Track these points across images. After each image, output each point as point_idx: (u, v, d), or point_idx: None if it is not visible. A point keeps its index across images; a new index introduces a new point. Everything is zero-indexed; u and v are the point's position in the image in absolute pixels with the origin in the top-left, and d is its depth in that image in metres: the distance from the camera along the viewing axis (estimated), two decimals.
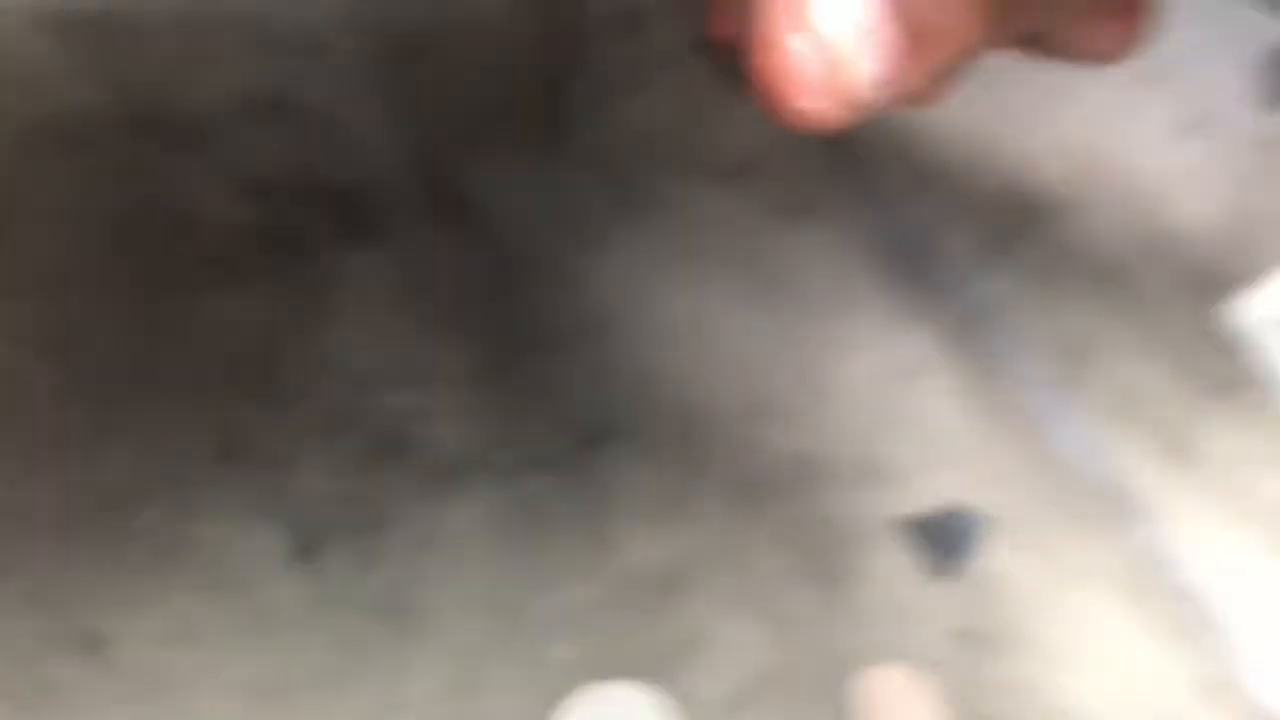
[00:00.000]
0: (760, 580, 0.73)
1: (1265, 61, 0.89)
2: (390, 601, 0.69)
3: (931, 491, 0.76)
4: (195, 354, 0.74)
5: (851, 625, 0.72)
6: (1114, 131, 0.87)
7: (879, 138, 0.85)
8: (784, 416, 0.77)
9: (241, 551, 0.68)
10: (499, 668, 0.69)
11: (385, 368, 0.75)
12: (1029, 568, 0.74)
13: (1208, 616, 0.74)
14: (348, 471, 0.71)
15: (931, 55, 0.21)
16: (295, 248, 0.79)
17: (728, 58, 0.82)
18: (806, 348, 0.80)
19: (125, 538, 0.69)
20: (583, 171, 0.84)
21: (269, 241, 0.78)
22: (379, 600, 0.69)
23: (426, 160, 0.83)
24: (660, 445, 0.75)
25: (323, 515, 0.70)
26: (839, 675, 0.71)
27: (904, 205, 0.83)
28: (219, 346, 0.74)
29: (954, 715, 0.70)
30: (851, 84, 0.21)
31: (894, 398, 0.78)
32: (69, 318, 0.73)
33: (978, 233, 0.83)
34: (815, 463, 0.76)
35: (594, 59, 0.87)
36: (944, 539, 0.74)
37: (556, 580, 0.71)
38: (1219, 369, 0.81)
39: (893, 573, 0.74)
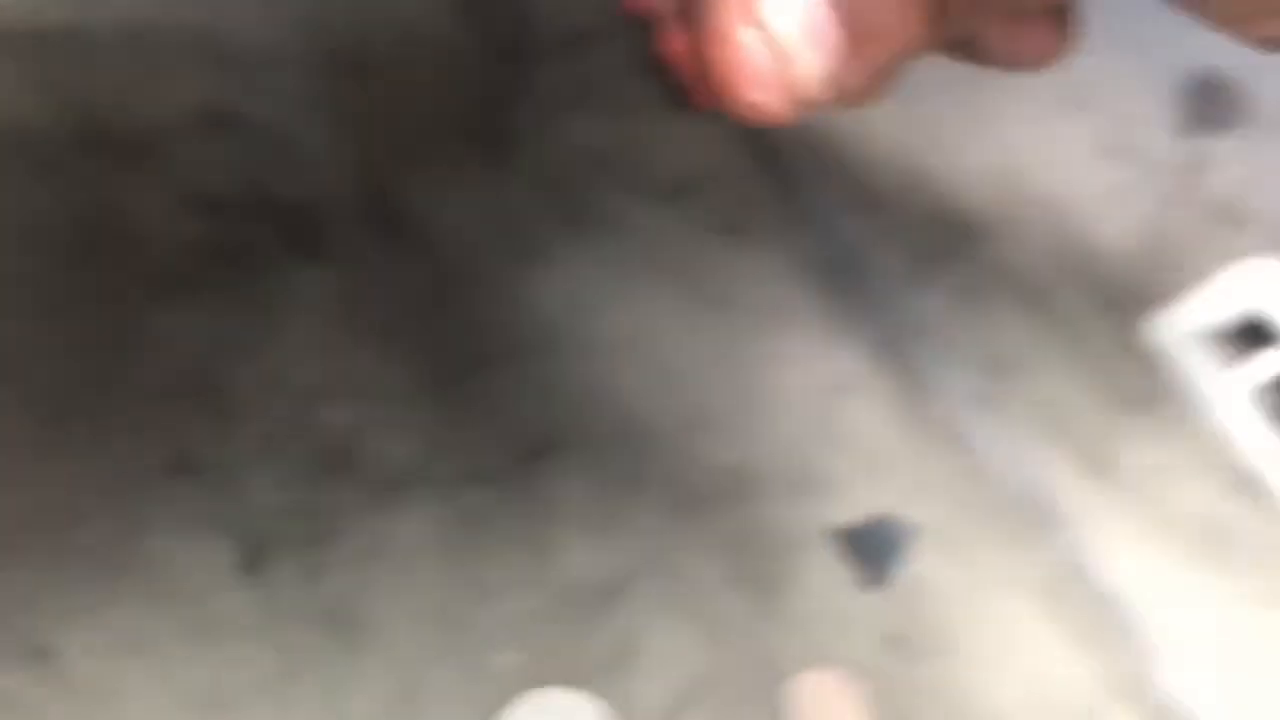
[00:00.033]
0: (697, 589, 0.75)
1: (1184, 87, 0.92)
2: (336, 613, 0.70)
3: (863, 502, 0.79)
4: (144, 368, 0.76)
5: (785, 632, 0.75)
6: (1040, 154, 0.90)
7: (814, 159, 0.88)
8: (721, 429, 0.80)
9: (189, 564, 0.70)
10: (442, 677, 0.71)
11: (331, 382, 0.77)
12: (954, 575, 0.77)
13: (1124, 622, 0.77)
14: (294, 484, 0.73)
15: (871, 54, 0.22)
16: (243, 263, 0.80)
17: (670, 77, 0.85)
18: (743, 362, 0.82)
19: (73, 550, 0.70)
20: (526, 188, 0.86)
21: (217, 257, 0.80)
22: (325, 611, 0.70)
23: (372, 176, 0.85)
24: (600, 458, 0.77)
25: (269, 528, 0.72)
26: (773, 680, 0.74)
27: (838, 225, 0.86)
28: (167, 361, 0.76)
29: (882, 718, 0.73)
30: (799, 79, 0.22)
31: (827, 411, 0.81)
32: (18, 333, 0.74)
33: (908, 252, 0.86)
34: (751, 474, 0.79)
35: (537, 77, 0.89)
36: (874, 548, 0.77)
37: (498, 590, 0.73)
38: (1138, 384, 0.85)
39: (825, 580, 0.77)
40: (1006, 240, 0.87)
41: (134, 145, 0.83)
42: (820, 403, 0.81)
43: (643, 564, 0.75)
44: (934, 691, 0.74)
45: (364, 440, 0.75)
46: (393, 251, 0.82)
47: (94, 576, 0.70)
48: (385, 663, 0.70)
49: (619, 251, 0.84)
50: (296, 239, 0.82)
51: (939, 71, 0.97)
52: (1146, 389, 0.85)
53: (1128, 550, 0.80)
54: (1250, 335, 0.87)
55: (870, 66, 0.22)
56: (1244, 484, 0.83)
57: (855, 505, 0.78)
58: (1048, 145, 0.90)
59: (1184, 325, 0.87)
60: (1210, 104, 0.92)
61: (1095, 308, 0.86)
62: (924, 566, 0.77)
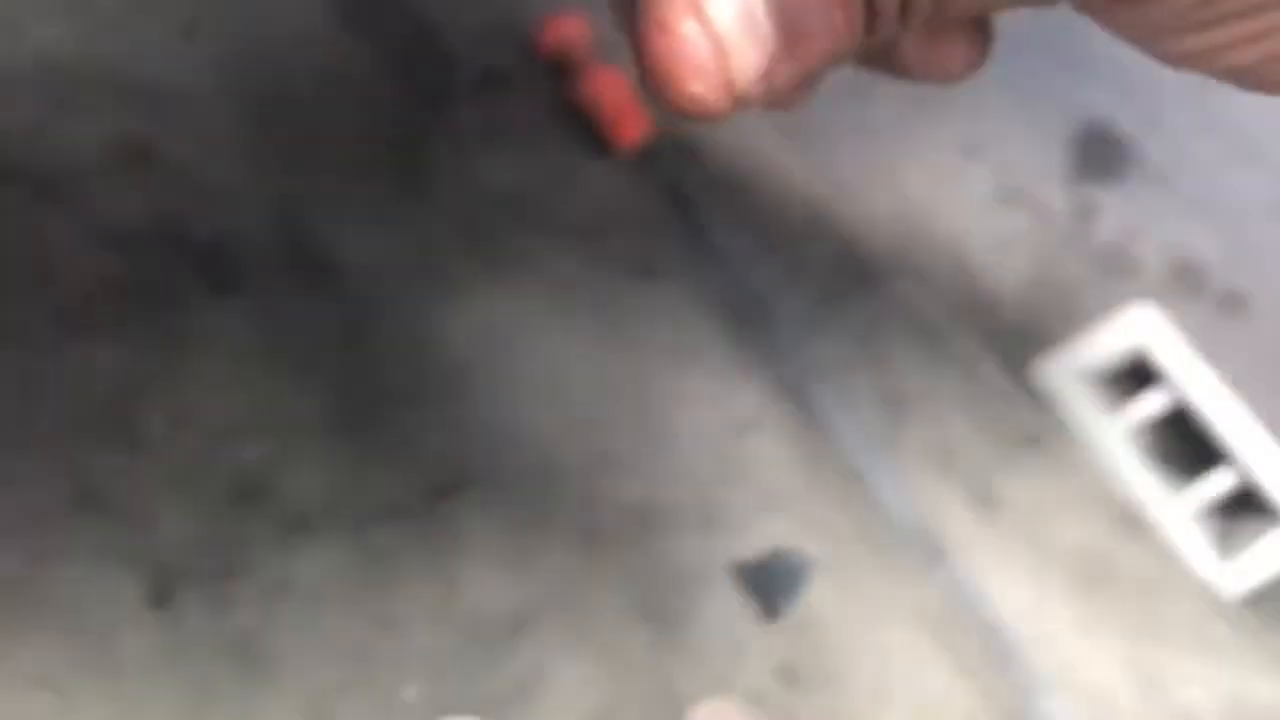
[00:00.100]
0: (601, 622, 0.77)
1: (1073, 139, 0.97)
2: (243, 646, 0.72)
3: (761, 537, 0.82)
4: (55, 403, 0.76)
5: (685, 663, 0.78)
6: (939, 201, 0.94)
7: (723, 202, 0.91)
8: (627, 466, 0.82)
9: (97, 598, 0.71)
10: (350, 709, 0.72)
11: (243, 417, 0.78)
12: (846, 607, 0.80)
13: (1007, 652, 0.81)
14: (203, 519, 0.74)
15: (802, 55, 0.23)
16: (158, 299, 0.81)
17: (584, 121, 0.88)
18: (650, 401, 0.85)
19: None
20: (441, 227, 0.88)
21: (132, 292, 0.81)
22: (232, 645, 0.72)
23: (288, 214, 0.86)
24: (508, 494, 0.79)
25: (178, 562, 0.73)
26: (674, 710, 0.76)
27: (745, 267, 0.89)
28: (79, 395, 0.77)
29: None
30: (735, 73, 0.22)
31: (730, 448, 0.84)
32: None
33: (811, 294, 0.89)
34: (655, 510, 0.81)
35: (454, 118, 0.91)
36: (771, 581, 0.80)
37: (406, 624, 0.75)
38: (1027, 422, 0.89)
39: (724, 613, 0.79)
40: (905, 283, 0.91)
41: (49, 179, 0.83)
42: (723, 440, 0.84)
43: (548, 598, 0.77)
44: None
45: (275, 475, 0.77)
46: (307, 288, 0.84)
47: (1, 611, 0.70)
48: (294, 696, 0.72)
49: (531, 291, 0.87)
50: (212, 275, 0.83)
51: (846, 118, 1.01)
52: (1035, 427, 0.89)
53: (1013, 582, 0.83)
54: (1134, 377, 0.92)
55: (801, 68, 0.23)
56: (1125, 519, 0.87)
57: (754, 540, 0.81)
58: (947, 192, 0.94)
59: (1072, 367, 0.91)
60: (1099, 155, 0.96)
61: (988, 349, 0.90)
62: (818, 599, 0.80)
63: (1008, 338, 0.91)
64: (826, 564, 0.81)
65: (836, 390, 0.86)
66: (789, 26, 0.22)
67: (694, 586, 0.80)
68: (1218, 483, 0.88)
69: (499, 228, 0.88)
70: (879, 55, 0.26)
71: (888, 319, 0.89)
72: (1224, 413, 0.89)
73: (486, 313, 0.85)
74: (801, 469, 0.84)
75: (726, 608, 0.80)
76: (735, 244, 0.90)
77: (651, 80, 0.22)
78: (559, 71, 0.92)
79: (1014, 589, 0.83)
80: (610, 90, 0.90)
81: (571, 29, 0.92)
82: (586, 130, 0.91)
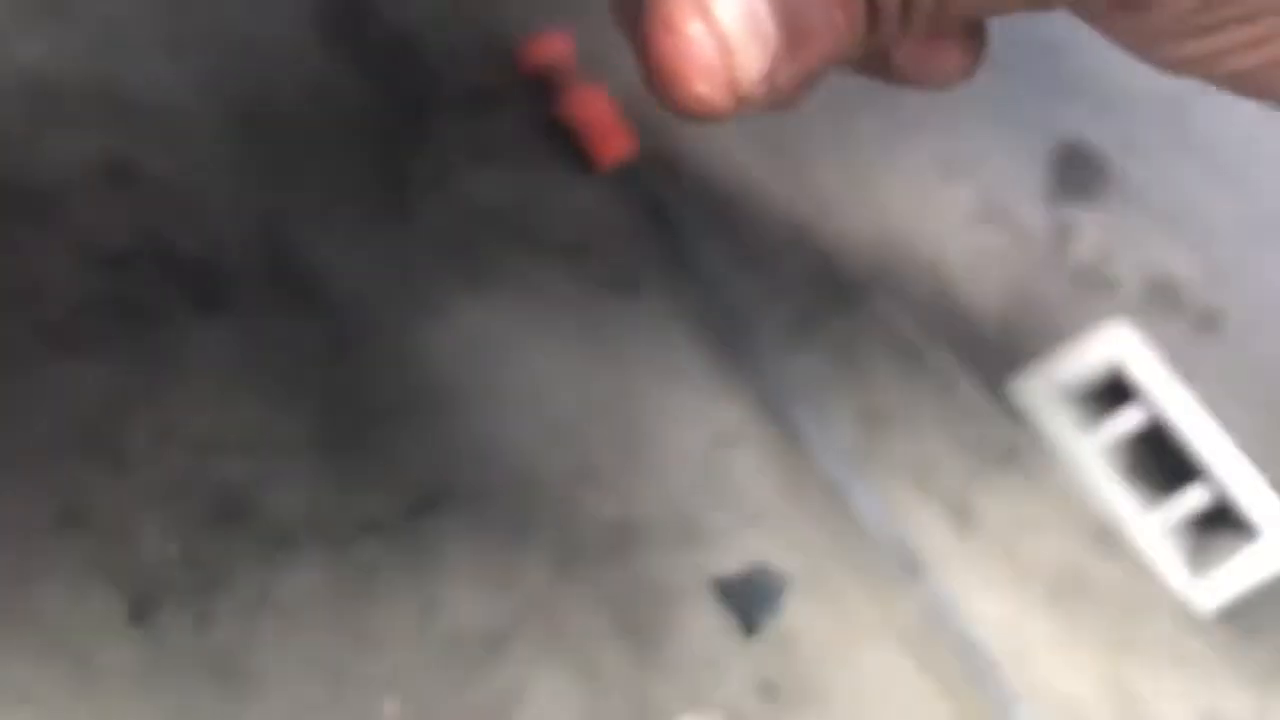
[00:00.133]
0: (579, 638, 0.78)
1: (1051, 158, 0.98)
2: (224, 663, 0.72)
3: (740, 553, 0.82)
4: (38, 420, 0.77)
5: (663, 679, 0.78)
6: (918, 218, 0.95)
7: (705, 220, 0.92)
8: (607, 482, 0.83)
9: (78, 615, 0.71)
10: None
11: (227, 434, 0.79)
12: (824, 623, 0.81)
13: (984, 668, 0.82)
14: (185, 535, 0.75)
15: (805, 57, 0.23)
16: (142, 316, 0.81)
17: (567, 138, 0.88)
18: (631, 417, 0.86)
19: None
20: (424, 244, 0.88)
21: (116, 310, 0.81)
22: (213, 661, 0.72)
23: (273, 230, 0.87)
24: (489, 510, 0.80)
25: (159, 579, 0.73)
26: None
27: (726, 284, 0.90)
28: (63, 413, 0.77)
29: None
30: (739, 72, 0.22)
31: (709, 464, 0.85)
32: None
33: (791, 310, 0.90)
34: (635, 526, 0.82)
35: (438, 135, 0.92)
36: (750, 597, 0.81)
37: (386, 640, 0.75)
38: (1004, 439, 0.89)
39: (703, 629, 0.80)
40: (885, 300, 0.92)
41: (35, 197, 0.84)
42: (703, 456, 0.85)
43: (527, 614, 0.78)
44: None
45: (257, 492, 0.77)
46: (292, 305, 0.84)
47: None
48: (273, 712, 0.72)
49: (513, 307, 0.87)
50: (197, 293, 0.83)
51: (827, 135, 1.02)
52: (1012, 444, 0.90)
53: (989, 598, 0.84)
54: (1110, 394, 0.93)
55: (802, 68, 0.23)
56: (1101, 535, 0.88)
57: (733, 556, 0.82)
58: (926, 210, 0.95)
59: (1049, 383, 0.92)
60: (1077, 174, 0.97)
61: (966, 366, 0.91)
62: (797, 614, 0.81)
63: (985, 355, 0.92)
64: (805, 579, 0.82)
65: (814, 407, 0.87)
66: (792, 26, 0.22)
67: (673, 602, 0.81)
68: (1192, 499, 0.89)
69: (482, 244, 0.88)
70: (874, 60, 0.26)
71: (867, 336, 0.90)
72: (1198, 429, 0.90)
73: (469, 329, 0.85)
74: (781, 485, 0.85)
75: (706, 623, 0.80)
76: (716, 260, 0.90)
77: (657, 80, 0.22)
78: (543, 89, 0.92)
79: (991, 604, 0.84)
80: (593, 108, 0.91)
81: (556, 47, 0.93)
82: (570, 147, 0.92)
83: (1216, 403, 0.90)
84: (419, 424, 0.82)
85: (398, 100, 0.92)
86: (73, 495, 0.74)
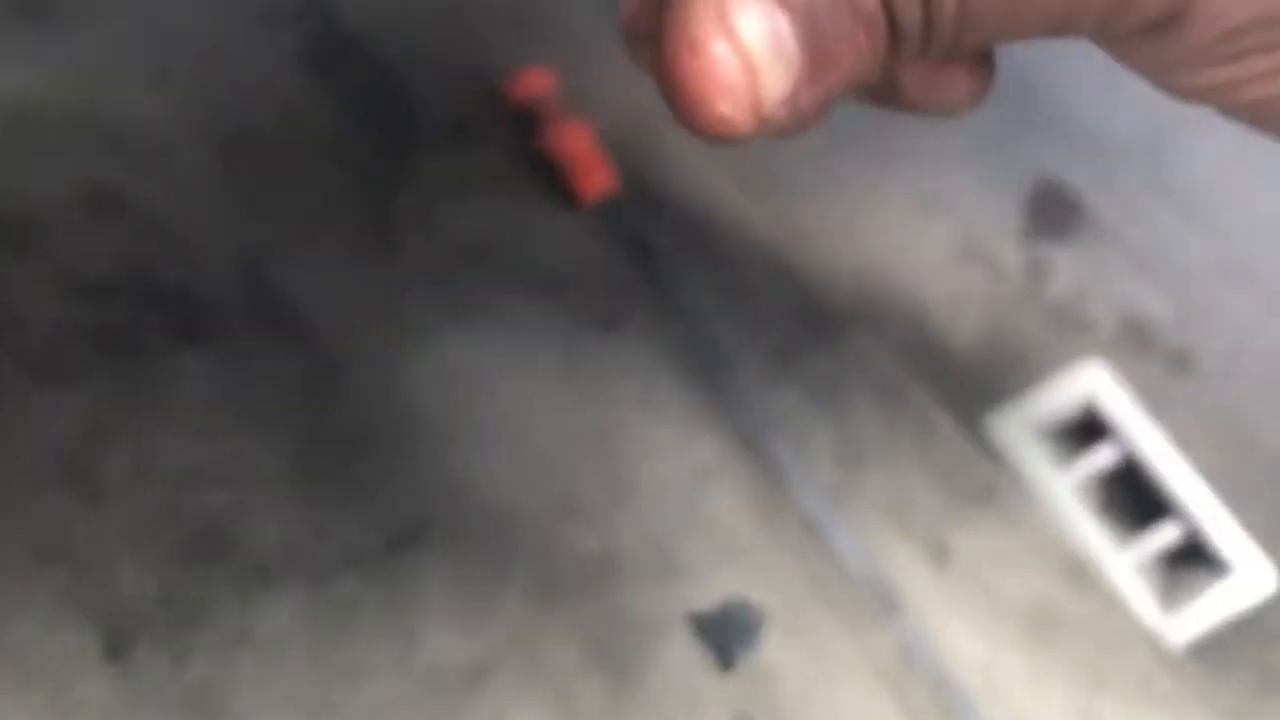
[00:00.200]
0: (558, 673, 0.78)
1: (1029, 196, 0.99)
2: (201, 698, 0.72)
3: (718, 587, 0.83)
4: (16, 451, 0.76)
5: (641, 713, 0.79)
6: (898, 255, 0.96)
7: (686, 254, 0.92)
8: (586, 516, 0.83)
9: (52, 650, 0.71)
10: None
11: (205, 467, 0.79)
12: (801, 660, 0.82)
13: (960, 705, 0.83)
14: (163, 570, 0.75)
15: (827, 80, 0.23)
16: (122, 347, 0.81)
17: (549, 171, 0.89)
18: (610, 451, 0.86)
19: None
20: (405, 276, 0.89)
21: (96, 340, 0.81)
22: (190, 697, 0.72)
23: (255, 262, 0.87)
24: (467, 544, 0.80)
25: (136, 613, 0.73)
26: None
27: (706, 319, 0.91)
28: (40, 445, 0.77)
29: None
30: (763, 94, 0.22)
31: (688, 499, 0.85)
32: None
33: (771, 345, 0.91)
34: (613, 560, 0.82)
35: (420, 167, 0.92)
36: (727, 632, 0.81)
37: (364, 675, 0.75)
38: (980, 476, 0.90)
39: (680, 664, 0.80)
40: (863, 337, 0.92)
41: (14, 227, 0.84)
42: (682, 491, 0.85)
43: (506, 649, 0.78)
44: None
45: (235, 526, 0.77)
46: (273, 337, 0.84)
47: None
48: None
49: (494, 340, 0.88)
50: (176, 323, 0.83)
51: (808, 172, 1.03)
52: (988, 481, 0.91)
53: (965, 634, 0.85)
54: (1084, 432, 0.94)
55: (824, 90, 0.23)
56: (1075, 571, 0.89)
57: (710, 591, 0.82)
58: (906, 246, 0.96)
59: (1024, 421, 0.93)
60: (1053, 213, 0.99)
61: (943, 403, 0.92)
62: (773, 650, 0.82)
63: (962, 392, 0.93)
64: (783, 615, 0.82)
65: (793, 442, 0.88)
66: (815, 47, 0.22)
67: (651, 636, 0.81)
68: (1164, 536, 0.90)
69: (464, 277, 0.89)
70: (885, 87, 0.26)
71: (845, 372, 0.91)
72: (1170, 467, 0.91)
73: (450, 362, 0.86)
74: (759, 520, 0.85)
75: (683, 658, 0.81)
76: (697, 295, 0.91)
77: (680, 101, 0.22)
78: (526, 123, 0.93)
79: (966, 641, 0.84)
80: (576, 143, 0.92)
81: (539, 81, 0.93)
82: (552, 182, 0.93)
83: (1188, 441, 0.92)
84: (399, 457, 0.82)
85: (380, 133, 0.92)
86: (49, 528, 0.74)
